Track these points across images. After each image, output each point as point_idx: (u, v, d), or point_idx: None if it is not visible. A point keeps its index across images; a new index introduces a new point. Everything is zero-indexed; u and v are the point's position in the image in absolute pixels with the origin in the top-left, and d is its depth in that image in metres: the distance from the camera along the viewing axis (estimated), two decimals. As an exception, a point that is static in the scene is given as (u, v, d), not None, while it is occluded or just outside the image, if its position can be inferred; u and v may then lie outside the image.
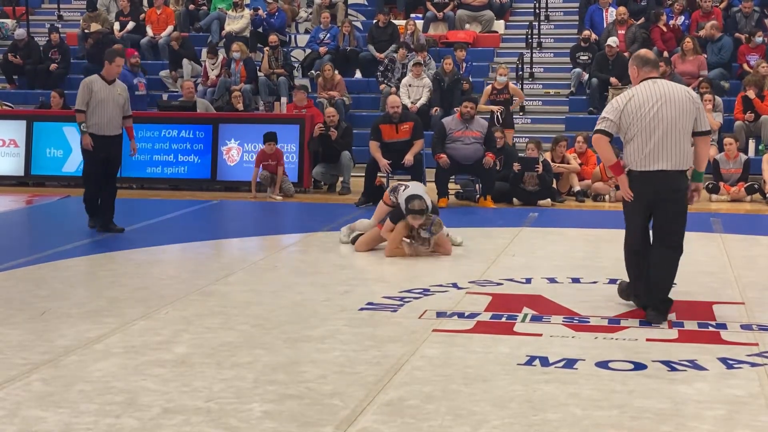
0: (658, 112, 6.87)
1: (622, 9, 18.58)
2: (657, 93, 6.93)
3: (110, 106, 11.10)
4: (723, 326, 6.85)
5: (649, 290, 7.00)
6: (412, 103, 16.59)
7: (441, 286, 8.17)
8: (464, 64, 17.73)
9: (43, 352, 6.05)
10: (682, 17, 18.76)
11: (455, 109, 14.77)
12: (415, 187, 9.67)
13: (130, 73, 17.13)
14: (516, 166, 13.57)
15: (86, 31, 20.28)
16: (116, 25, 20.56)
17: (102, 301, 7.55)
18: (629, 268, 7.25)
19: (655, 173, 6.89)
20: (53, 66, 19.58)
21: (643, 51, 7.32)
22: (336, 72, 17.60)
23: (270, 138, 14.41)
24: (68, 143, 15.91)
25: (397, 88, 17.04)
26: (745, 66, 17.46)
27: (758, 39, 17.52)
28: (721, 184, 14.29)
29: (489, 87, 15.74)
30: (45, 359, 5.90)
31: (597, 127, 7.06)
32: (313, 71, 18.60)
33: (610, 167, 7.18)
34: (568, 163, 14.43)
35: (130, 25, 20.54)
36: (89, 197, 11.28)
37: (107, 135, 11.07)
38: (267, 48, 18.22)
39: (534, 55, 19.30)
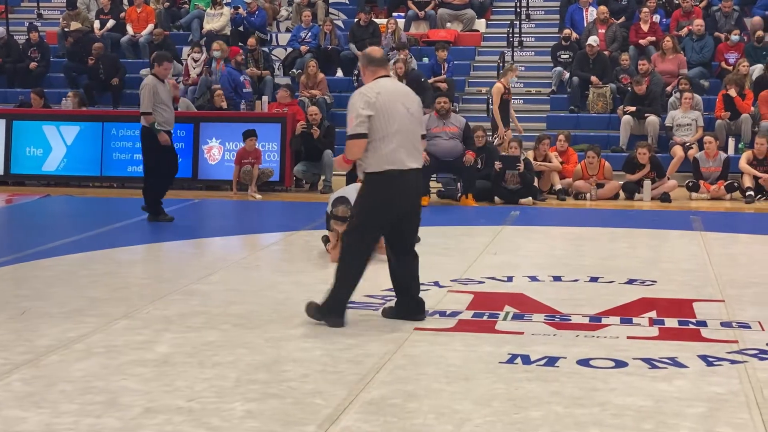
0: (405, 107, 6.60)
1: (603, 8, 18.64)
2: (397, 90, 6.68)
3: (170, 103, 11.86)
4: (703, 324, 6.88)
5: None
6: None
7: (422, 284, 8.14)
8: (446, 64, 17.74)
9: (23, 352, 6.02)
10: (658, 15, 18.82)
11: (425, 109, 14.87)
12: (346, 190, 9.27)
13: (236, 71, 17.12)
14: (497, 165, 13.60)
15: (66, 29, 20.17)
16: (96, 24, 20.46)
17: (83, 300, 7.51)
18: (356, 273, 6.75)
19: (413, 172, 6.64)
20: (33, 65, 19.48)
21: (369, 49, 6.92)
22: (319, 70, 17.58)
23: (250, 134, 14.42)
24: (48, 142, 15.86)
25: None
26: (723, 64, 17.54)
27: (735, 37, 17.61)
28: (701, 182, 14.36)
29: (500, 86, 15.58)
30: (25, 359, 5.87)
31: (358, 131, 6.50)
32: (294, 70, 18.57)
33: (346, 161, 6.85)
34: (550, 162, 14.47)
35: (111, 23, 20.45)
36: (150, 189, 11.82)
37: (170, 130, 11.79)
38: (241, 56, 18.01)
39: (515, 53, 19.33)
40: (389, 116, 6.53)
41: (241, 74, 17.32)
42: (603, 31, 18.29)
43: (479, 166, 13.79)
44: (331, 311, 6.68)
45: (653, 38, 17.92)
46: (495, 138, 14.89)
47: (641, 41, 17.90)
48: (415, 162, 6.66)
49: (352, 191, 9.19)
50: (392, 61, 17.35)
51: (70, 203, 14.05)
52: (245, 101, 17.25)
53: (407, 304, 6.90)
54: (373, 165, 6.57)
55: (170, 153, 11.89)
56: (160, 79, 11.76)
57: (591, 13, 18.99)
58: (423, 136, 6.91)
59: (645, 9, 18.39)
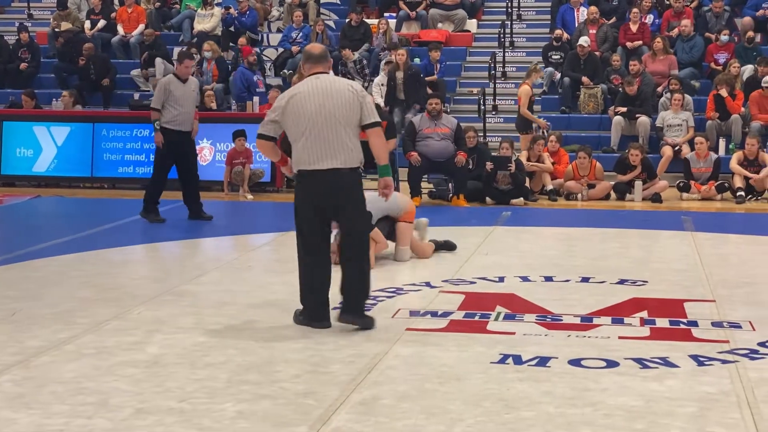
0: (322, 109, 6.48)
1: (593, 8, 18.66)
2: (316, 88, 6.53)
3: (186, 103, 11.76)
4: (694, 324, 6.89)
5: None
6: (385, 104, 16.57)
7: (414, 285, 8.18)
8: (438, 65, 17.74)
9: (13, 353, 6.00)
10: (651, 16, 18.86)
11: (415, 105, 14.92)
12: (368, 198, 9.47)
13: (249, 72, 17.07)
14: (489, 165, 13.61)
15: (57, 29, 20.14)
16: (87, 24, 20.42)
17: (74, 301, 7.50)
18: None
19: (323, 172, 6.50)
20: (23, 65, 19.44)
21: (310, 45, 6.93)
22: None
23: (239, 134, 14.44)
24: (38, 143, 15.83)
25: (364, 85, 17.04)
26: (713, 65, 17.58)
27: (724, 37, 17.65)
28: (692, 182, 14.38)
29: (526, 87, 15.58)
30: (16, 360, 5.86)
31: (259, 131, 6.65)
32: (285, 71, 18.56)
33: (278, 163, 6.96)
34: (543, 162, 14.49)
35: (101, 23, 20.42)
36: (152, 188, 11.91)
37: (183, 131, 11.70)
38: (253, 56, 17.98)
39: (506, 54, 19.34)
40: (298, 118, 6.50)
41: (254, 74, 17.22)
42: (594, 31, 18.32)
43: (470, 167, 13.80)
44: (307, 317, 6.69)
45: (640, 41, 17.93)
46: (541, 131, 15.26)
47: (628, 44, 17.92)
48: (330, 161, 6.48)
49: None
50: (383, 62, 17.39)
51: (61, 204, 14.01)
52: (236, 102, 17.23)
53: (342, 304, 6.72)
54: (293, 166, 6.66)
55: (183, 157, 11.82)
56: (180, 79, 11.75)
57: (582, 14, 19.02)
58: (376, 124, 6.59)
59: (635, 10, 18.41)
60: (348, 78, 17.69)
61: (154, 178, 12.01)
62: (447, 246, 9.68)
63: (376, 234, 9.04)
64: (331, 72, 6.78)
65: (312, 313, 6.68)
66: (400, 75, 16.32)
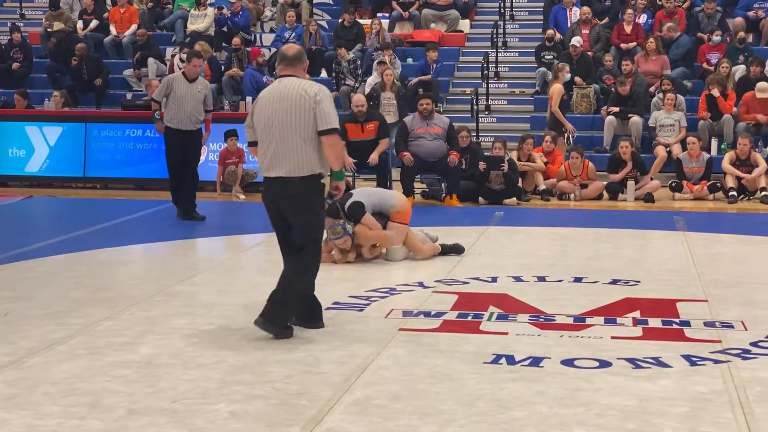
0: (273, 115, 6.33)
1: (585, 9, 18.68)
2: (273, 93, 6.39)
3: (189, 103, 11.82)
4: (686, 324, 6.90)
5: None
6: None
7: (407, 285, 8.18)
8: (435, 65, 17.75)
9: (6, 354, 5.99)
10: (645, 15, 18.89)
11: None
12: (361, 191, 9.52)
13: (258, 73, 16.95)
14: (482, 165, 13.62)
15: (49, 30, 20.11)
16: (79, 24, 20.39)
17: (66, 302, 7.49)
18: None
19: (274, 180, 6.38)
20: (15, 65, 19.39)
21: (285, 46, 6.76)
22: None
23: (231, 134, 14.44)
24: (31, 143, 15.80)
25: (354, 88, 16.99)
26: (705, 65, 17.61)
27: (716, 38, 17.68)
28: (684, 182, 14.41)
29: (558, 86, 15.55)
30: (8, 361, 5.85)
31: (247, 139, 6.65)
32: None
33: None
34: (534, 162, 14.50)
35: (94, 23, 20.38)
36: (170, 187, 12.11)
37: (185, 129, 11.74)
38: (262, 57, 17.84)
39: (499, 54, 19.36)
40: (258, 123, 6.44)
41: (263, 75, 17.09)
42: (586, 31, 18.34)
43: (463, 167, 13.81)
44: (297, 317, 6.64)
45: (634, 43, 17.95)
46: (566, 136, 15.17)
47: (622, 45, 17.93)
48: (279, 169, 6.33)
49: (364, 193, 9.38)
50: (376, 62, 17.37)
51: (54, 204, 13.99)
52: (229, 101, 17.20)
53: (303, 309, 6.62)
54: None
55: (182, 155, 11.89)
56: (188, 78, 11.84)
57: (575, 14, 19.03)
58: (329, 131, 6.32)
59: (629, 11, 18.44)
60: (341, 78, 17.86)
61: (169, 178, 12.19)
62: (455, 249, 9.61)
63: (368, 220, 9.05)
64: (306, 75, 6.63)
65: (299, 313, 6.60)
66: (385, 95, 15.93)
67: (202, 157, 15.20)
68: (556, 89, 15.42)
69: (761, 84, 15.76)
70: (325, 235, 8.68)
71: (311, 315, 6.67)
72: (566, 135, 15.52)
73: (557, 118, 15.47)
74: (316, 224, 6.54)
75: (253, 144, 6.59)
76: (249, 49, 18.88)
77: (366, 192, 9.56)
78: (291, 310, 6.49)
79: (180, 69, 17.92)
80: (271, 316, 6.36)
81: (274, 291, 6.41)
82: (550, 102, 15.50)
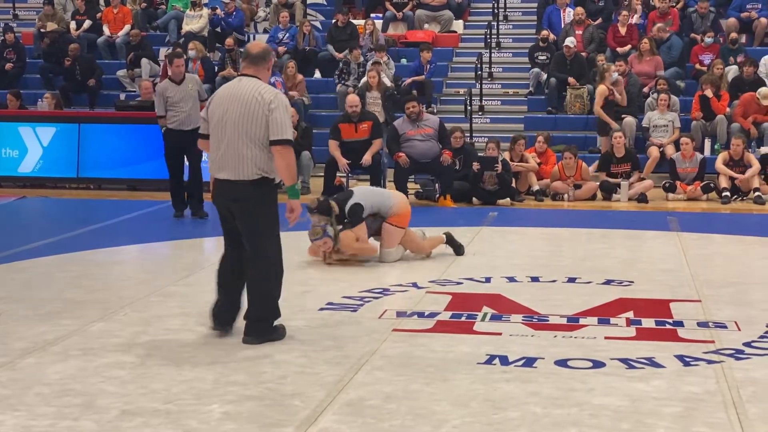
0: (225, 115, 6.18)
1: (579, 9, 18.69)
2: (230, 92, 6.22)
3: (186, 103, 11.96)
4: (680, 324, 6.91)
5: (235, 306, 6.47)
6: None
7: (401, 285, 8.18)
8: (428, 66, 17.76)
9: (-1, 355, 5.99)
10: (638, 16, 18.90)
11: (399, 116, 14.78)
12: (362, 191, 9.45)
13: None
14: (475, 166, 13.62)
15: (42, 30, 20.07)
16: (72, 25, 20.36)
17: (59, 302, 7.48)
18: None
19: (222, 182, 6.25)
20: (8, 65, 19.35)
21: (251, 43, 6.67)
22: (297, 71, 17.52)
23: None
24: (24, 144, 15.76)
25: (355, 87, 16.99)
26: (698, 66, 17.64)
27: (708, 39, 17.70)
28: (678, 183, 14.42)
29: (603, 87, 15.48)
30: (1, 362, 5.84)
31: (199, 130, 6.51)
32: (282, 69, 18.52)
33: None
34: (527, 162, 14.51)
35: (87, 24, 20.35)
36: (170, 188, 12.26)
37: (186, 130, 11.80)
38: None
39: (493, 54, 19.36)
40: (211, 121, 6.31)
41: (273, 75, 16.97)
42: (580, 32, 18.35)
43: (457, 167, 13.81)
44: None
45: (629, 46, 17.96)
46: (611, 132, 15.03)
47: (618, 48, 17.93)
48: (227, 172, 6.20)
49: (362, 192, 9.26)
50: (370, 62, 17.37)
51: (47, 205, 13.97)
52: None
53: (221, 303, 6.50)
54: None
55: (183, 155, 12.05)
56: (175, 81, 11.97)
57: (568, 15, 19.03)
58: (280, 142, 6.12)
59: (624, 12, 18.45)
60: (337, 78, 17.84)
61: (169, 178, 12.27)
62: (457, 247, 9.59)
63: (360, 230, 9.04)
64: (268, 74, 6.42)
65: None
66: (371, 94, 15.82)
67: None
68: (601, 90, 15.36)
69: (763, 90, 15.77)
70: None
71: (231, 317, 6.47)
72: (612, 132, 15.43)
73: (602, 120, 15.34)
74: (269, 228, 6.29)
75: (204, 137, 6.42)
76: (242, 49, 18.84)
77: (367, 191, 9.51)
78: (271, 317, 6.39)
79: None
80: (256, 332, 6.30)
81: (247, 309, 6.33)
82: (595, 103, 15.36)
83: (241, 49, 18.59)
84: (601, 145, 14.83)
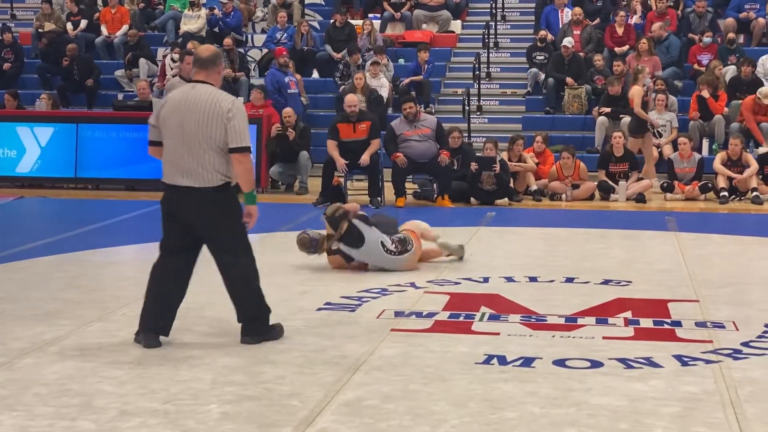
0: (183, 122, 6.10)
1: (577, 9, 18.70)
2: (186, 99, 6.15)
3: None
4: (678, 324, 6.92)
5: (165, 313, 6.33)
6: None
7: (399, 285, 8.18)
8: (426, 66, 17.76)
9: (-3, 355, 5.98)
10: (636, 16, 18.91)
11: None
12: (370, 232, 8.75)
13: (279, 72, 16.75)
14: (473, 166, 13.62)
15: (40, 30, 20.07)
16: (69, 26, 20.35)
17: (57, 302, 7.47)
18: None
19: (182, 190, 6.16)
20: (6, 65, 19.34)
21: (202, 47, 6.58)
22: (295, 71, 17.51)
23: None
24: (22, 144, 15.75)
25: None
26: (696, 66, 17.65)
27: (707, 39, 17.71)
28: (676, 183, 14.43)
29: (637, 88, 15.49)
30: (-1, 362, 5.84)
31: (148, 138, 6.35)
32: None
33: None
34: (525, 163, 14.51)
35: (83, 23, 20.34)
36: None
37: None
38: (284, 57, 17.47)
39: (491, 55, 19.37)
40: (164, 129, 6.21)
41: (285, 75, 16.87)
42: (578, 32, 18.36)
43: (455, 167, 13.81)
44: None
45: (627, 46, 17.96)
46: (654, 130, 15.11)
47: (617, 49, 17.93)
48: (188, 179, 6.12)
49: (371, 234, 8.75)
50: (369, 62, 17.38)
51: (45, 205, 13.97)
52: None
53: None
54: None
55: None
56: (185, 79, 11.76)
57: (566, 15, 19.05)
58: (239, 149, 6.11)
59: (621, 12, 18.46)
60: (338, 80, 17.83)
61: None
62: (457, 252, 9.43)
63: (338, 260, 8.85)
64: (220, 78, 6.36)
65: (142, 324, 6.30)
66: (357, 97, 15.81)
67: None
68: (636, 91, 15.37)
69: (764, 90, 15.77)
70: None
71: (167, 324, 6.36)
72: (653, 129, 15.45)
73: (639, 120, 15.33)
74: (240, 231, 6.32)
75: (155, 144, 6.31)
76: (240, 49, 18.85)
77: (378, 255, 8.76)
78: (264, 314, 6.40)
79: (171, 69, 18.01)
80: (254, 331, 6.32)
81: (238, 314, 6.36)
82: (631, 104, 15.33)
83: (240, 50, 18.64)
84: (630, 145, 14.87)
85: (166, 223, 6.36)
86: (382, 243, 8.64)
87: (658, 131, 15.62)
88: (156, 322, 6.28)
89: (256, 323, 6.35)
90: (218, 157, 6.12)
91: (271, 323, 6.45)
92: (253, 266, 6.38)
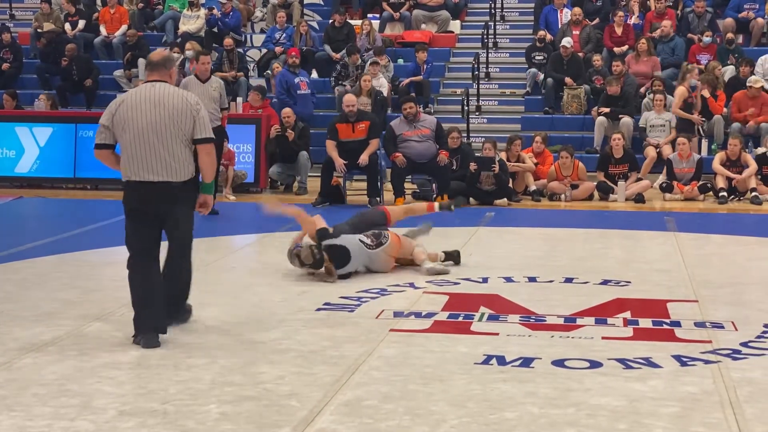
0: (149, 119, 6.26)
1: (577, 10, 18.70)
2: (146, 98, 6.31)
3: (205, 102, 12.03)
4: (677, 324, 6.91)
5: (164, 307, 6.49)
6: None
7: (398, 285, 8.18)
8: (425, 65, 17.76)
9: (-4, 355, 5.98)
10: (635, 16, 18.91)
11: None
12: (355, 251, 8.62)
13: (290, 73, 16.68)
14: (472, 166, 13.62)
15: (39, 30, 20.06)
16: (67, 26, 20.35)
17: (56, 303, 7.47)
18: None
19: (151, 185, 6.30)
20: (5, 65, 19.33)
21: (153, 52, 6.79)
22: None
23: None
24: (21, 144, 15.75)
25: (352, 87, 16.98)
26: (695, 65, 17.64)
27: (706, 39, 17.72)
28: (675, 183, 14.43)
29: (682, 89, 15.44)
30: (-2, 362, 5.83)
31: (96, 141, 6.45)
32: (269, 71, 18.53)
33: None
34: (524, 163, 14.51)
35: (81, 23, 20.34)
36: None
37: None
38: (293, 58, 17.22)
39: (490, 55, 19.37)
40: (124, 126, 6.30)
41: (295, 76, 16.78)
42: (577, 32, 18.36)
43: (454, 168, 13.81)
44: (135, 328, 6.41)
45: (626, 46, 17.97)
46: (696, 128, 15.10)
47: (615, 49, 17.93)
48: (155, 174, 6.28)
49: (349, 241, 8.64)
50: (368, 62, 17.37)
51: (44, 205, 13.96)
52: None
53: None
54: (122, 175, 6.44)
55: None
56: (200, 79, 12.08)
57: (565, 15, 19.05)
58: (207, 140, 6.38)
59: (620, 13, 18.47)
60: (334, 81, 17.83)
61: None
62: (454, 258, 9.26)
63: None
64: (172, 81, 6.56)
65: (135, 324, 6.38)
66: (361, 100, 15.59)
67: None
68: (680, 92, 15.37)
69: (753, 77, 15.82)
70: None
71: (163, 322, 6.45)
72: (696, 128, 15.45)
73: (685, 120, 15.30)
74: (191, 227, 6.67)
75: (104, 147, 6.40)
76: (239, 50, 18.84)
77: (359, 252, 8.65)
78: (184, 306, 6.82)
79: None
80: (178, 314, 6.71)
81: (173, 296, 6.58)
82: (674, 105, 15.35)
83: (239, 50, 18.64)
84: (718, 146, 14.89)
85: (134, 222, 6.45)
86: (360, 241, 8.63)
87: (700, 128, 15.59)
88: (154, 323, 6.31)
89: (181, 306, 6.76)
90: (187, 150, 6.38)
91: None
92: (190, 269, 6.79)
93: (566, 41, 17.62)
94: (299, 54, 17.47)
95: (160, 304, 6.38)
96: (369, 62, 17.29)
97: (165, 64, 6.54)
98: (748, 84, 15.84)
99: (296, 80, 16.63)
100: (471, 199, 13.79)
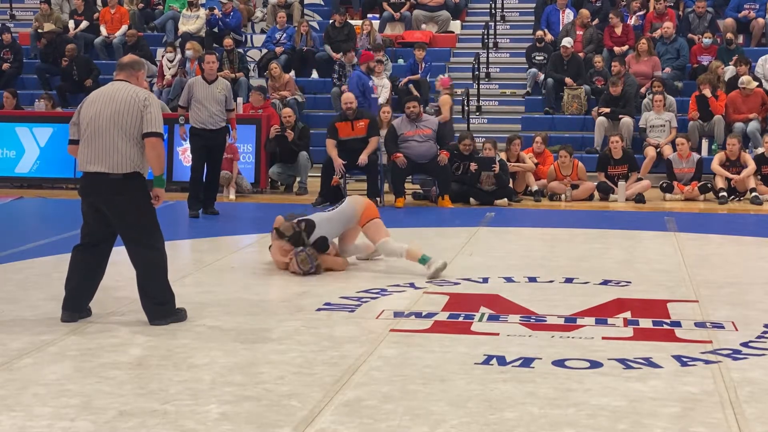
0: (100, 112, 6.63)
1: (584, 12, 18.67)
2: (103, 94, 6.74)
3: (209, 103, 12.26)
4: (677, 324, 6.91)
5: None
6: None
7: (398, 286, 8.18)
8: (423, 64, 17.76)
9: (-4, 356, 5.98)
10: (639, 19, 18.92)
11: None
12: (322, 220, 8.87)
13: (365, 76, 16.52)
14: (473, 166, 13.62)
15: (39, 30, 20.06)
16: (71, 24, 20.34)
17: (56, 303, 7.44)
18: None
19: (94, 176, 6.64)
20: (5, 66, 19.33)
21: (124, 57, 7.16)
22: (284, 72, 17.47)
23: None
24: (21, 144, 15.75)
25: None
26: (696, 66, 17.65)
27: (707, 40, 17.72)
28: (675, 183, 14.43)
29: (722, 155, 15.43)
30: (-2, 362, 5.84)
31: (69, 137, 6.86)
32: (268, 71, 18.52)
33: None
34: (523, 163, 14.51)
35: (84, 24, 20.35)
36: (190, 185, 12.51)
37: (208, 128, 12.17)
38: (373, 62, 16.86)
39: (490, 55, 19.38)
40: (84, 121, 6.70)
41: (370, 79, 16.71)
42: (581, 33, 18.36)
43: (458, 173, 13.78)
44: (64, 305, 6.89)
45: (626, 46, 17.97)
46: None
47: (616, 49, 17.93)
48: (101, 165, 6.61)
49: (324, 223, 8.84)
50: (373, 62, 17.34)
51: (44, 205, 13.96)
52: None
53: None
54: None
55: (206, 156, 12.27)
56: (206, 80, 12.26)
57: (567, 16, 19.06)
58: (153, 134, 6.60)
59: (619, 12, 18.47)
60: (334, 79, 17.82)
61: (190, 175, 12.56)
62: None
63: (332, 252, 8.95)
64: (140, 81, 6.91)
65: (65, 302, 6.87)
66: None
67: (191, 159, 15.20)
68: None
69: (745, 78, 15.85)
70: (290, 259, 8.60)
71: (87, 304, 6.93)
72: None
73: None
74: (150, 220, 6.80)
75: (73, 142, 6.81)
76: (239, 50, 18.84)
77: (326, 219, 8.94)
78: (171, 299, 6.84)
79: (168, 69, 18.02)
80: (162, 314, 6.77)
81: (145, 300, 6.79)
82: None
83: (240, 50, 18.64)
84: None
85: (84, 213, 6.84)
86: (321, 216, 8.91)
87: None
88: (79, 303, 6.86)
89: (165, 306, 6.79)
90: (131, 146, 6.60)
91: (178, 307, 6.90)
92: (162, 255, 6.81)
93: (566, 41, 17.62)
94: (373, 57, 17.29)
95: (90, 290, 6.87)
96: (374, 61, 17.25)
97: (133, 65, 6.92)
98: (740, 84, 15.84)
99: (371, 83, 16.47)
100: (471, 199, 13.79)
